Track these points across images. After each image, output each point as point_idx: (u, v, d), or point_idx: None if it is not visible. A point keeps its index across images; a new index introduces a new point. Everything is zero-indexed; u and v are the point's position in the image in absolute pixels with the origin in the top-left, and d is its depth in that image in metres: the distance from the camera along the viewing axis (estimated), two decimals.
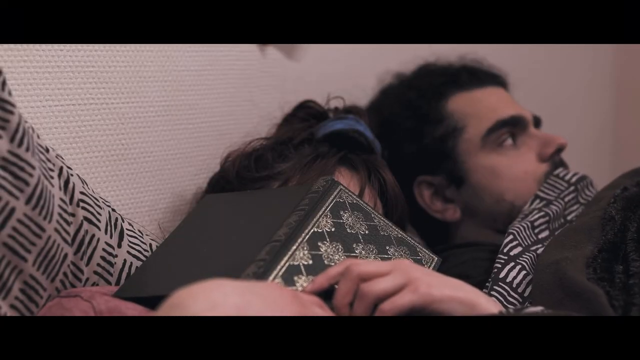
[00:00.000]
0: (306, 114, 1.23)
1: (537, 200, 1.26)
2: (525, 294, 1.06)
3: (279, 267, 0.86)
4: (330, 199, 0.96)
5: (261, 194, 1.06)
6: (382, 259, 0.95)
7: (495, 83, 1.43)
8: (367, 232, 0.96)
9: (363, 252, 0.94)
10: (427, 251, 1.01)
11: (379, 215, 1.00)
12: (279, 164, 1.12)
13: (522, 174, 1.32)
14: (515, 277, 1.07)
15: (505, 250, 1.12)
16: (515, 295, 1.06)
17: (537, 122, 1.40)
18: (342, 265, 0.87)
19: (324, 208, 0.95)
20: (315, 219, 0.93)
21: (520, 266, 1.08)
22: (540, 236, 1.17)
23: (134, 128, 1.17)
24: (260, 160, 1.13)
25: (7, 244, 0.83)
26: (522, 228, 1.17)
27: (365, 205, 1.00)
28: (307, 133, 1.17)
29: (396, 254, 0.97)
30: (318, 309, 0.81)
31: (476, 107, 1.36)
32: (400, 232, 1.00)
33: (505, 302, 1.05)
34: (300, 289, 0.86)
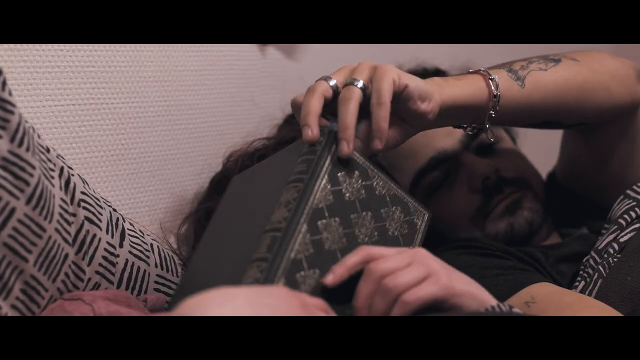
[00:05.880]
0: None
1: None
2: None
3: (281, 268, 0.85)
4: (328, 160, 0.93)
5: (269, 162, 1.03)
6: (377, 227, 0.94)
7: None
8: (364, 195, 0.95)
9: (359, 221, 0.93)
10: (418, 206, 1.00)
11: (374, 170, 0.98)
12: None
13: (456, 218, 1.26)
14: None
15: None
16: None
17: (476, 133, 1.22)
18: (359, 255, 0.86)
19: (322, 175, 0.92)
20: (314, 194, 0.90)
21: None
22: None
23: (134, 128, 1.17)
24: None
25: (7, 244, 0.83)
26: None
27: (362, 160, 0.97)
28: None
29: (390, 214, 0.96)
30: (324, 315, 0.80)
31: (397, 159, 1.27)
32: (394, 188, 0.99)
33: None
34: (303, 287, 0.85)
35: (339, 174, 0.94)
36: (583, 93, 1.14)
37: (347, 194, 0.94)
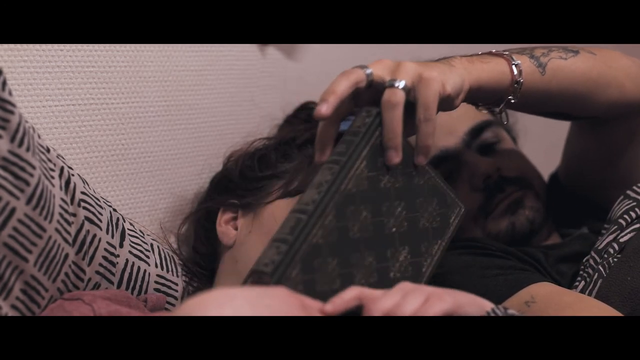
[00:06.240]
0: (308, 115, 1.23)
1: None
2: None
3: (300, 253, 0.82)
4: (371, 144, 0.90)
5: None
6: (408, 217, 0.91)
7: None
8: (401, 183, 0.91)
9: (390, 210, 0.90)
10: (456, 199, 0.97)
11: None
12: (282, 164, 1.12)
13: None
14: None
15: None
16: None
17: (480, 129, 1.26)
18: (354, 291, 0.82)
19: (360, 159, 0.88)
20: (348, 178, 0.87)
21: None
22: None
23: (134, 128, 1.17)
24: (264, 160, 1.13)
25: (7, 244, 0.83)
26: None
27: (405, 145, 0.93)
28: (310, 133, 1.16)
29: (425, 205, 0.93)
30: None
31: None
32: (434, 178, 0.96)
33: None
34: (317, 274, 0.83)
35: (378, 160, 0.91)
36: (597, 86, 1.14)
37: (384, 181, 0.91)
